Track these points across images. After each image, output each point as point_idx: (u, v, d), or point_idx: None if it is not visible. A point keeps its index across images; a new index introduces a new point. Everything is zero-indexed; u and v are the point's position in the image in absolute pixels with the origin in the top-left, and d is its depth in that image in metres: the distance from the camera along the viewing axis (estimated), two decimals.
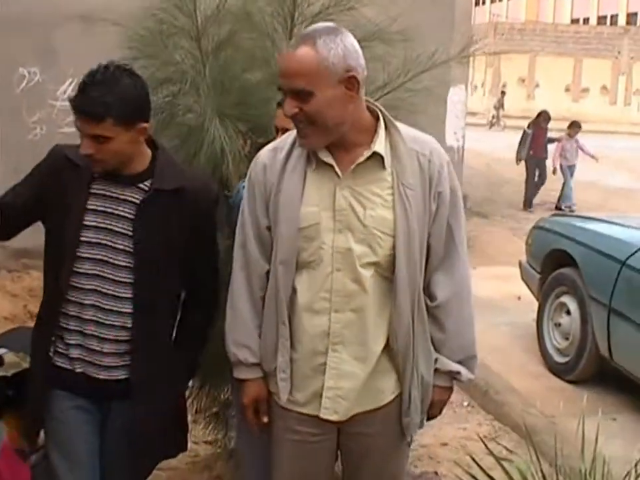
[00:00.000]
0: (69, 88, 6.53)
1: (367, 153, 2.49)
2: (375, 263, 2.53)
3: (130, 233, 2.70)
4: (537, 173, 13.99)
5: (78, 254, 2.70)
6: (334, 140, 2.48)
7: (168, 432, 2.82)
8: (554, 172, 13.97)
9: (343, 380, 2.53)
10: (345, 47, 2.40)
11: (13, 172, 2.95)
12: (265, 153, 2.64)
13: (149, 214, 2.70)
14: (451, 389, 2.71)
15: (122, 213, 2.71)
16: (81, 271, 2.70)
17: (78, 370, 2.73)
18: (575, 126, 14.35)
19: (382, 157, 2.50)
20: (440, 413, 2.74)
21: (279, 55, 2.49)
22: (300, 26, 3.15)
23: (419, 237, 2.52)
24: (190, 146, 3.19)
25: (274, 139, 2.95)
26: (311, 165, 2.54)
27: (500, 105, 33.70)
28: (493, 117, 33.42)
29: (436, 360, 2.63)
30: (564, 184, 13.98)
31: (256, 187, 2.62)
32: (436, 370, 2.64)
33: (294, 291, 2.57)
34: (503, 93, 35.02)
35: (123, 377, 2.72)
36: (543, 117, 14.24)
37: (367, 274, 2.53)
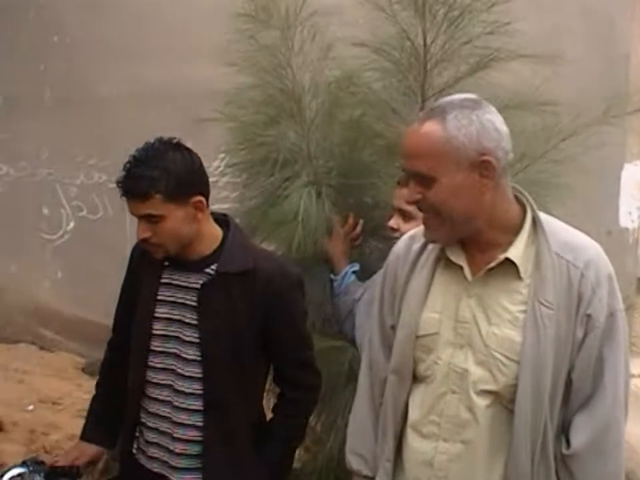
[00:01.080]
0: (221, 164, 6.41)
1: (501, 257, 2.08)
2: (493, 392, 2.09)
3: (195, 323, 2.52)
4: None
5: (151, 347, 2.54)
6: (467, 236, 2.10)
7: None
8: None
9: None
10: (481, 125, 2.00)
11: None
12: (402, 241, 2.33)
13: (213, 300, 2.51)
14: None
15: (188, 302, 2.53)
16: (155, 365, 2.54)
17: (155, 470, 2.55)
18: None
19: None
20: None
21: (405, 130, 2.11)
22: (430, 99, 2.84)
23: (554, 369, 2.02)
24: (292, 225, 2.94)
25: (389, 218, 2.73)
26: (440, 262, 2.19)
27: None
28: None
29: None
30: None
31: (387, 278, 2.31)
32: None
33: (407, 406, 2.21)
34: None
35: None
36: None
37: (482, 403, 2.10)
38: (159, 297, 2.58)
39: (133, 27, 6.02)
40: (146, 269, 2.62)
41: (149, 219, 2.47)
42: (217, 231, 2.59)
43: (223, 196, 4.64)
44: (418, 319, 2.17)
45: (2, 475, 2.45)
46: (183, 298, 2.54)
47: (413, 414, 2.20)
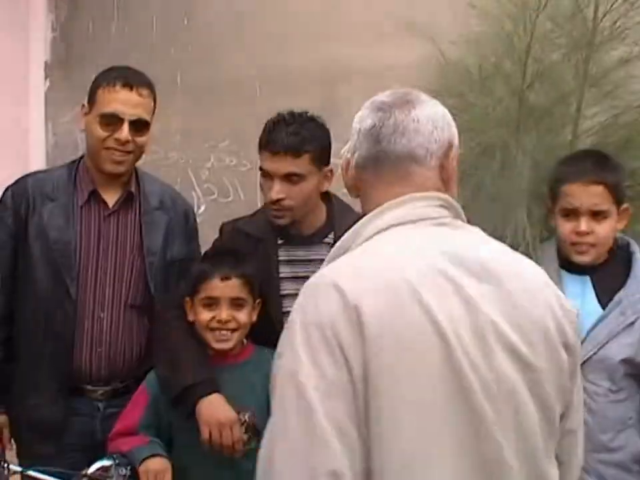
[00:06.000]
0: None
1: None
2: None
3: None
4: None
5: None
6: None
7: None
8: None
9: None
10: None
11: None
12: None
13: None
14: None
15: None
16: None
17: None
18: None
19: None
20: None
21: None
22: (595, 74, 2.62)
23: None
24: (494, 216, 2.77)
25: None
26: None
27: None
28: None
29: None
30: None
31: None
32: None
33: None
34: None
35: None
36: None
37: None
38: (281, 275, 2.70)
39: (265, 6, 5.95)
40: (255, 251, 2.73)
41: (290, 179, 2.58)
42: (322, 203, 2.74)
43: None
44: None
45: (89, 466, 2.48)
46: (306, 272, 2.61)
47: None
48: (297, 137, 2.57)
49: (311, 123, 2.66)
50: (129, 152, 2.84)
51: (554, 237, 2.79)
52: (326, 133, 2.71)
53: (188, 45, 6.18)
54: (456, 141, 1.83)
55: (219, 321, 2.71)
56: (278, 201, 2.62)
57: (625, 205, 2.64)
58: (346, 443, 1.50)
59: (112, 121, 2.79)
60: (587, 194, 2.55)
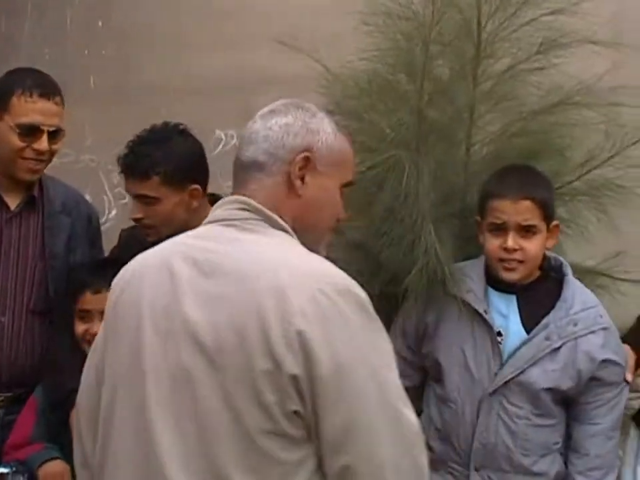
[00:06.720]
0: None
1: None
2: None
3: None
4: None
5: None
6: None
7: None
8: None
9: None
10: None
11: None
12: None
13: None
14: None
15: None
16: None
17: None
18: None
19: None
20: None
21: None
22: (485, 84, 2.66)
23: None
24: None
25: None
26: None
27: None
28: None
29: None
30: None
31: None
32: None
33: None
34: None
35: None
36: None
37: None
38: None
39: (180, 13, 5.94)
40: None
41: (144, 200, 2.56)
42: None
43: None
44: None
45: None
46: None
47: None
48: (143, 160, 2.53)
49: (172, 141, 2.58)
50: (44, 160, 2.82)
51: (482, 255, 2.74)
52: (189, 151, 2.63)
53: (102, 48, 6.13)
54: (318, 146, 1.81)
55: (92, 334, 2.64)
56: (137, 219, 2.63)
57: (555, 222, 2.60)
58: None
59: (31, 131, 2.76)
60: (515, 209, 2.52)
